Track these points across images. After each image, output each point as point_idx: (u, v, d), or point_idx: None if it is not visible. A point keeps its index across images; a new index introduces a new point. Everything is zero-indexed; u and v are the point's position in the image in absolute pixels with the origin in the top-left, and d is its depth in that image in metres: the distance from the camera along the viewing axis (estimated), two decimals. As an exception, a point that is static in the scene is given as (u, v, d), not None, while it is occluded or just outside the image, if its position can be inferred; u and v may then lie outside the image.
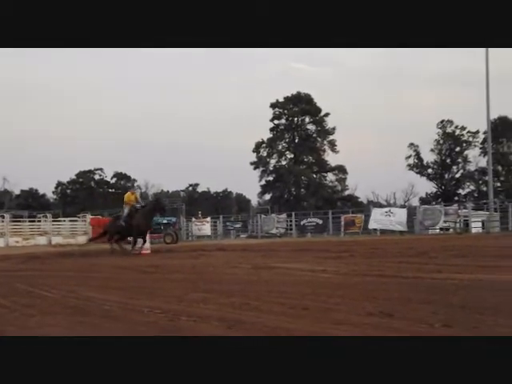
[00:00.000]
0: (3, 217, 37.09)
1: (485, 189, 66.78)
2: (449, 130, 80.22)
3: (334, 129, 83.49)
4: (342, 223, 40.29)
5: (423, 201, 75.06)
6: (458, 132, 79.93)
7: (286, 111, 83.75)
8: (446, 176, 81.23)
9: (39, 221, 40.34)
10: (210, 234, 44.93)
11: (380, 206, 61.13)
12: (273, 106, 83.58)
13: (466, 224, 36.60)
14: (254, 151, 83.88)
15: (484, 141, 71.59)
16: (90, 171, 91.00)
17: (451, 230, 35.47)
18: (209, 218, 46.02)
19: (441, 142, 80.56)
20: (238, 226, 48.39)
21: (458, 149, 79.99)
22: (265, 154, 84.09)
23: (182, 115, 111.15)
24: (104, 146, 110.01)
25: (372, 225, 37.84)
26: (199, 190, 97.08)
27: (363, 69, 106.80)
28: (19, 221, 40.25)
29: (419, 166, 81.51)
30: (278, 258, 15.08)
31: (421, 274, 9.45)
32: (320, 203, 74.89)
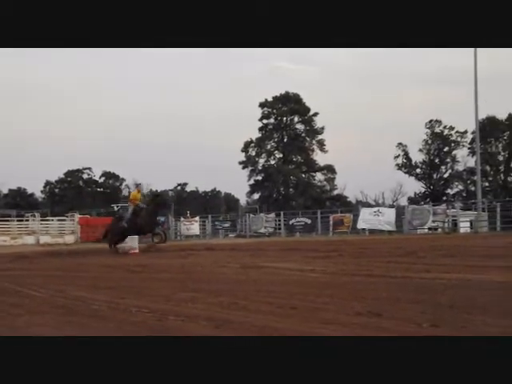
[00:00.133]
0: (-9, 216, 37.01)
1: (473, 189, 66.88)
2: (437, 129, 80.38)
3: (322, 128, 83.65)
4: (331, 223, 40.31)
5: (412, 200, 75.16)
6: (446, 132, 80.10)
7: (274, 111, 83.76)
8: (435, 176, 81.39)
9: (27, 220, 40.26)
10: (198, 233, 44.92)
11: (369, 205, 61.17)
12: (261, 105, 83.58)
13: (455, 224, 36.68)
14: (242, 151, 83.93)
15: (472, 141, 71.69)
16: (78, 170, 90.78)
17: (440, 229, 35.54)
18: (197, 218, 46.01)
19: (429, 141, 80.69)
20: (226, 225, 48.39)
21: (446, 149, 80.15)
22: (253, 153, 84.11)
23: (180, 115, 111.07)
24: (104, 145, 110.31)
25: (361, 224, 37.88)
26: (188, 189, 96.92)
27: (352, 68, 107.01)
28: (7, 220, 40.13)
29: (408, 166, 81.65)
30: (266, 258, 15.07)
31: (409, 273, 9.46)
32: (309, 203, 74.92)
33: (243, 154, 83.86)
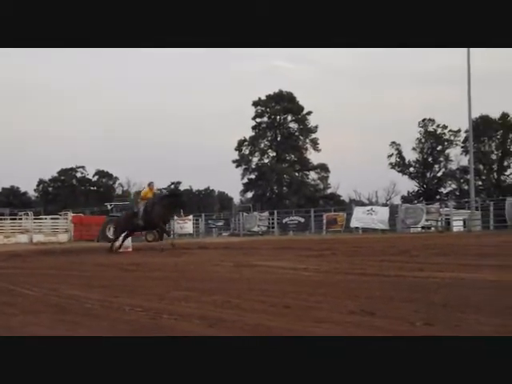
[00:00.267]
0: (-16, 215, 36.95)
1: (466, 187, 67.02)
2: (430, 128, 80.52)
3: (316, 127, 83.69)
4: (324, 221, 40.42)
5: (405, 199, 75.23)
6: (439, 131, 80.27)
7: (268, 109, 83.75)
8: (428, 175, 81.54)
9: (20, 219, 40.24)
10: (192, 232, 44.90)
11: (362, 204, 61.37)
12: (255, 104, 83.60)
13: (448, 222, 36.75)
14: (236, 149, 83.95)
15: (465, 140, 71.78)
16: (71, 169, 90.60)
17: (433, 228, 35.65)
18: (191, 216, 45.94)
19: (422, 140, 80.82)
20: (220, 224, 48.48)
21: (439, 147, 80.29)
22: (247, 152, 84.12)
23: (180, 115, 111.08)
24: (104, 145, 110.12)
25: (354, 223, 37.97)
26: (181, 188, 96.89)
27: (345, 67, 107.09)
28: (0, 219, 40.02)
29: (401, 165, 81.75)
30: (259, 256, 15.08)
31: (403, 272, 9.47)
32: (302, 201, 74.98)
33: (237, 152, 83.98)
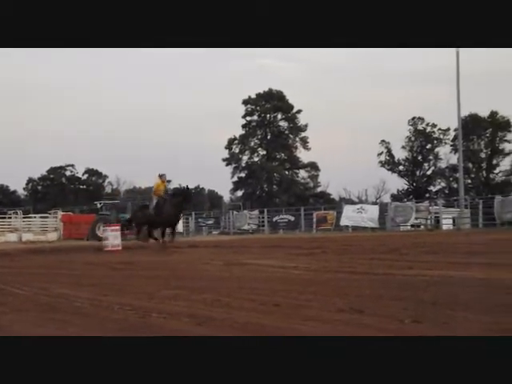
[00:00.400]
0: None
1: (455, 186, 66.99)
2: (420, 127, 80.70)
3: (306, 126, 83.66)
4: (314, 220, 40.42)
5: (395, 197, 75.30)
6: (429, 129, 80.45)
7: (258, 108, 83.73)
8: (418, 173, 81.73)
9: (9, 217, 40.00)
10: (181, 230, 44.78)
11: (352, 202, 61.34)
12: (245, 102, 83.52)
13: (437, 221, 36.87)
14: (226, 148, 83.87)
15: (455, 138, 71.81)
16: (61, 167, 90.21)
17: (422, 226, 35.74)
18: (181, 215, 45.80)
19: (412, 139, 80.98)
20: (210, 222, 48.42)
21: (429, 146, 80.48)
22: (237, 150, 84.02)
23: (180, 115, 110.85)
24: (104, 145, 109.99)
25: (344, 221, 38.02)
26: (171, 186, 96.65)
27: (335, 66, 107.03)
28: (-11, 217, 39.89)
29: (391, 163, 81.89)
30: (249, 255, 15.08)
31: (392, 270, 9.51)
32: (292, 200, 75.05)
33: (227, 151, 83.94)
